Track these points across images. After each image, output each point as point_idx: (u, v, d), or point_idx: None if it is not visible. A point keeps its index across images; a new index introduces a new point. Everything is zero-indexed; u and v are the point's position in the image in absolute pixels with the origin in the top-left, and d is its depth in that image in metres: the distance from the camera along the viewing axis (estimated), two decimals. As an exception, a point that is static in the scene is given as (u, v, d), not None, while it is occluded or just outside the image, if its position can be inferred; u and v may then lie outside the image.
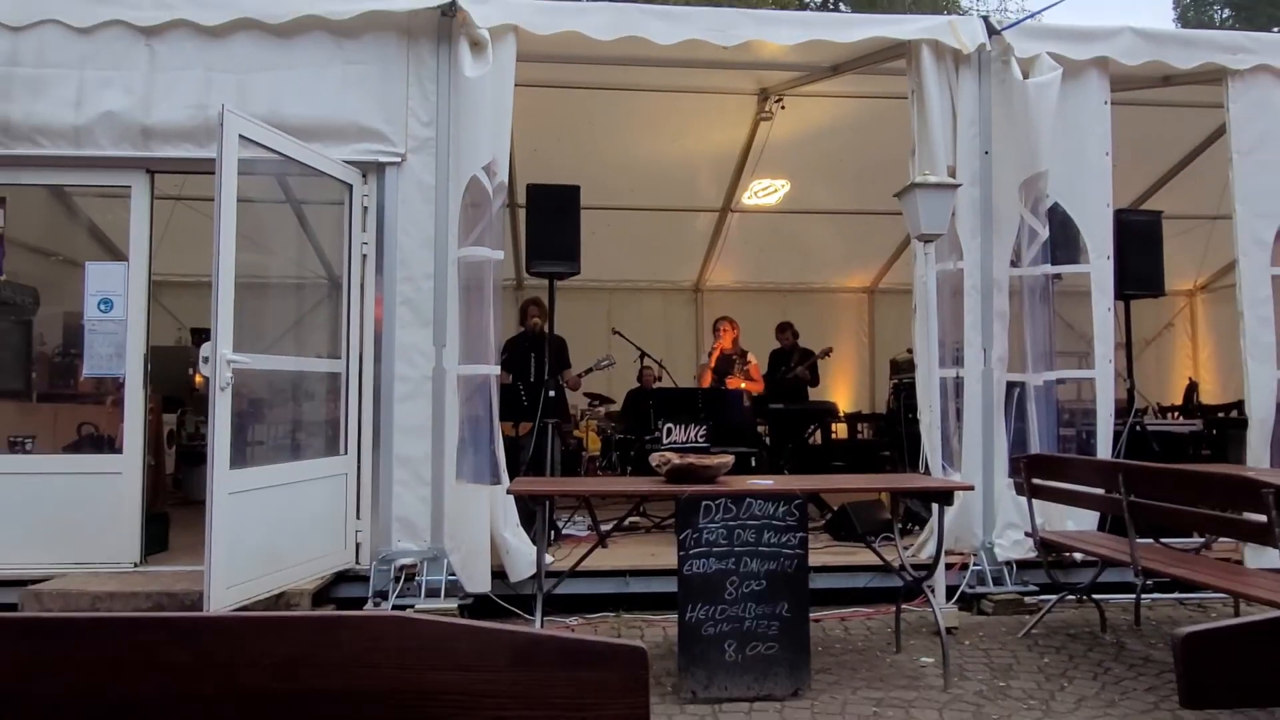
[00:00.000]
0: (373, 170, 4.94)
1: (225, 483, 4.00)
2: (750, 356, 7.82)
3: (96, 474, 4.77)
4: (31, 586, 4.38)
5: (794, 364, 8.44)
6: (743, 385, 7.60)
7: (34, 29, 4.75)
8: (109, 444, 5.15)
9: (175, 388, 7.66)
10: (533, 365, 6.71)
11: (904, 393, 7.22)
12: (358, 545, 4.86)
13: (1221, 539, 4.84)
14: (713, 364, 7.85)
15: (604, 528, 4.52)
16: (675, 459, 3.99)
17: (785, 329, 8.74)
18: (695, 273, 10.52)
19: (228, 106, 4.14)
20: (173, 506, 6.20)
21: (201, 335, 6.68)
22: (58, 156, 4.76)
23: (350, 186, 4.92)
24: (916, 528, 5.57)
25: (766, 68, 6.13)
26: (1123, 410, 5.75)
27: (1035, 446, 5.10)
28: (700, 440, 6.20)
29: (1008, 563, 5.02)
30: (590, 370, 7.47)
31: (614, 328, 8.51)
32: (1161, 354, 10.33)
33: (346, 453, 4.86)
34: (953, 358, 5.13)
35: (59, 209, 6.18)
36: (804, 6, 19.22)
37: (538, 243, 5.53)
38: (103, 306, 4.83)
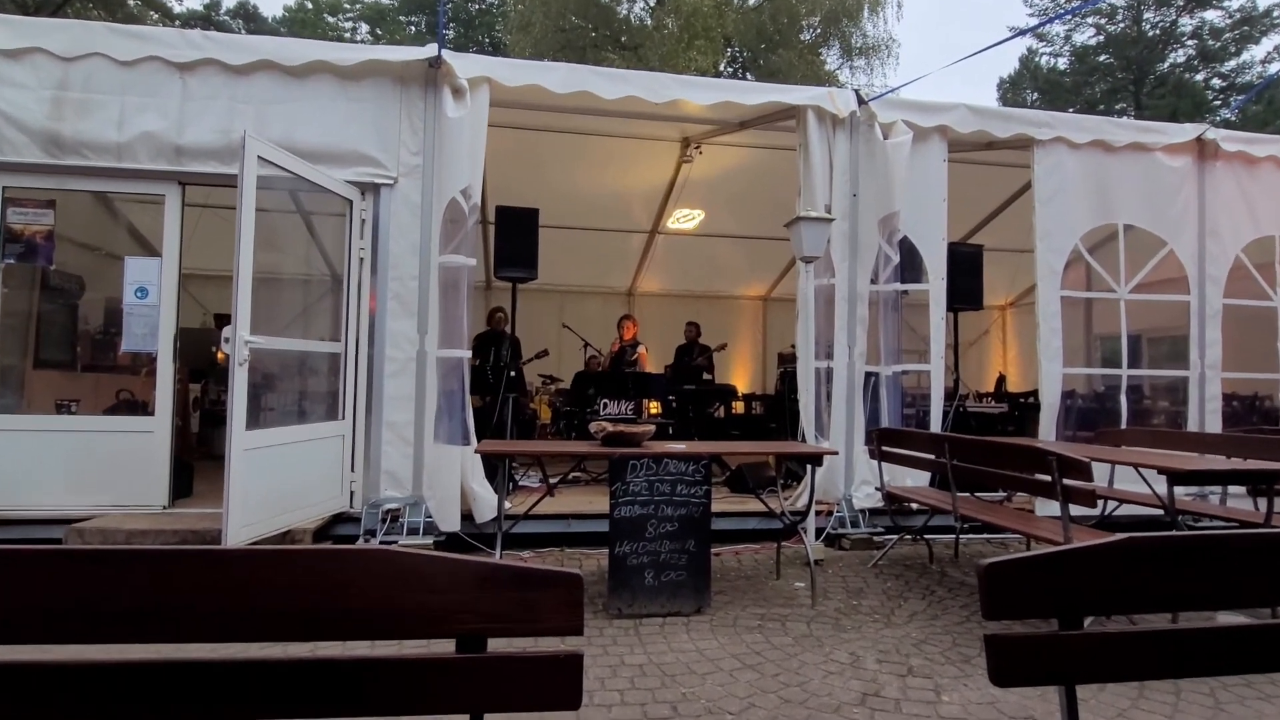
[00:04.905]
0: (370, 190, 4.81)
1: (241, 441, 3.86)
2: (641, 349, 7.68)
3: (132, 432, 4.55)
4: (75, 525, 4.17)
5: (695, 355, 8.47)
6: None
7: (82, 60, 4.49)
8: (143, 408, 4.92)
9: (200, 362, 7.35)
10: (492, 355, 6.69)
11: (788, 379, 7.32)
12: (352, 493, 4.76)
13: (1019, 493, 5.06)
14: (612, 354, 7.85)
15: (552, 481, 4.51)
16: (609, 427, 4.00)
17: (691, 326, 8.75)
18: (629, 280, 10.49)
19: (249, 132, 3.97)
20: (196, 460, 5.96)
21: (223, 319, 6.44)
22: (102, 168, 4.51)
23: (351, 202, 4.78)
24: (795, 483, 5.68)
25: (688, 121, 6.13)
26: (950, 395, 5.93)
27: (885, 421, 5.23)
28: (629, 413, 6.23)
29: (862, 510, 5.14)
30: (530, 360, 7.47)
31: (564, 323, 8.47)
32: (980, 353, 10.69)
33: (344, 418, 4.75)
34: (825, 353, 5.23)
35: (103, 211, 5.85)
36: (718, 73, 19.32)
37: (504, 253, 5.47)
38: (139, 294, 4.60)
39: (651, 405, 7.79)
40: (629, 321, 7.89)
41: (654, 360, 8.30)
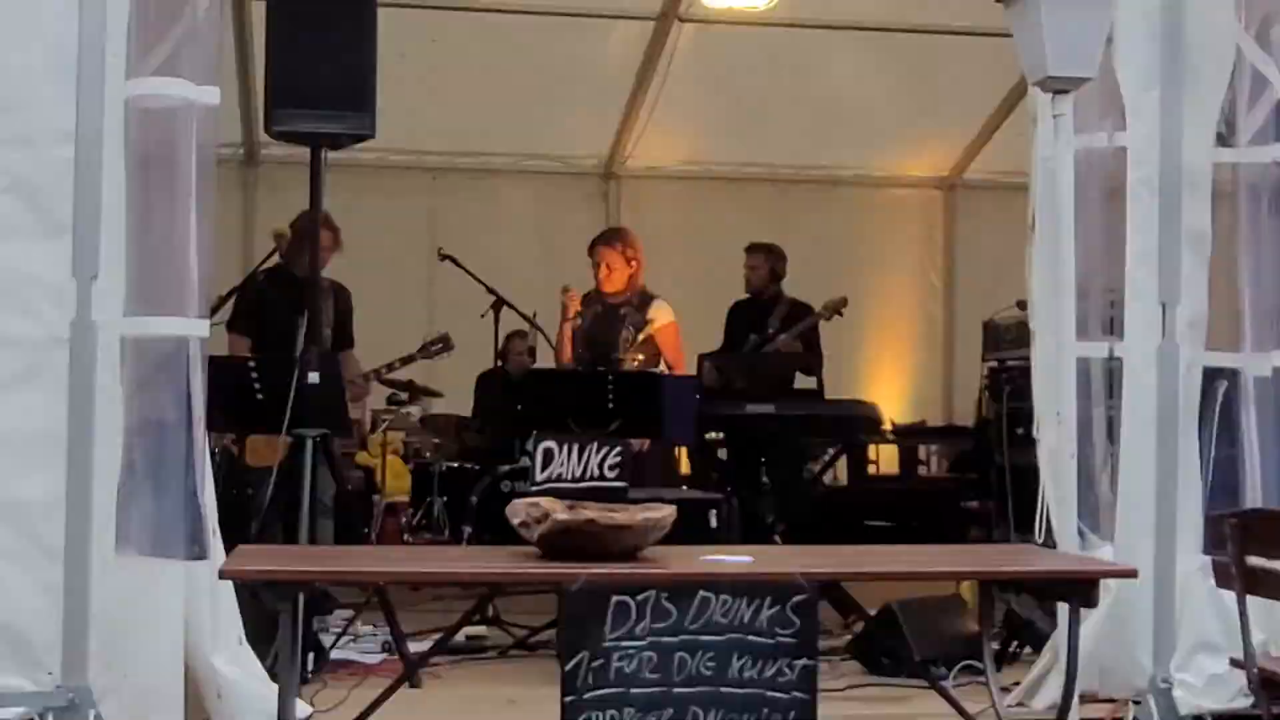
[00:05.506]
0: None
1: None
2: (657, 309, 7.74)
3: None
4: None
5: (773, 330, 8.57)
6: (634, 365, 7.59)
7: None
8: None
9: None
10: (301, 332, 6.60)
11: (1008, 387, 7.35)
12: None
13: None
14: (571, 319, 7.86)
15: (415, 647, 4.46)
16: (560, 512, 3.98)
17: (760, 256, 8.87)
18: (607, 142, 10.67)
19: None
20: None
21: None
22: None
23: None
24: (1026, 650, 5.72)
25: None
26: None
27: (1255, 496, 5.24)
28: (609, 475, 6.20)
29: (1199, 717, 5.15)
30: (407, 361, 7.45)
31: (441, 248, 8.43)
32: None
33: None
34: (1104, 320, 5.24)
35: None
36: None
37: (290, 73, 5.48)
38: None
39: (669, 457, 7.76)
40: (615, 247, 7.88)
41: (699, 335, 8.28)
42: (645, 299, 7.72)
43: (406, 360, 7.73)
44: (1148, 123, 5.28)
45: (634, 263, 7.76)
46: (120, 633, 4.64)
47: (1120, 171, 5.26)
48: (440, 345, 7.77)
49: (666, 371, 7.55)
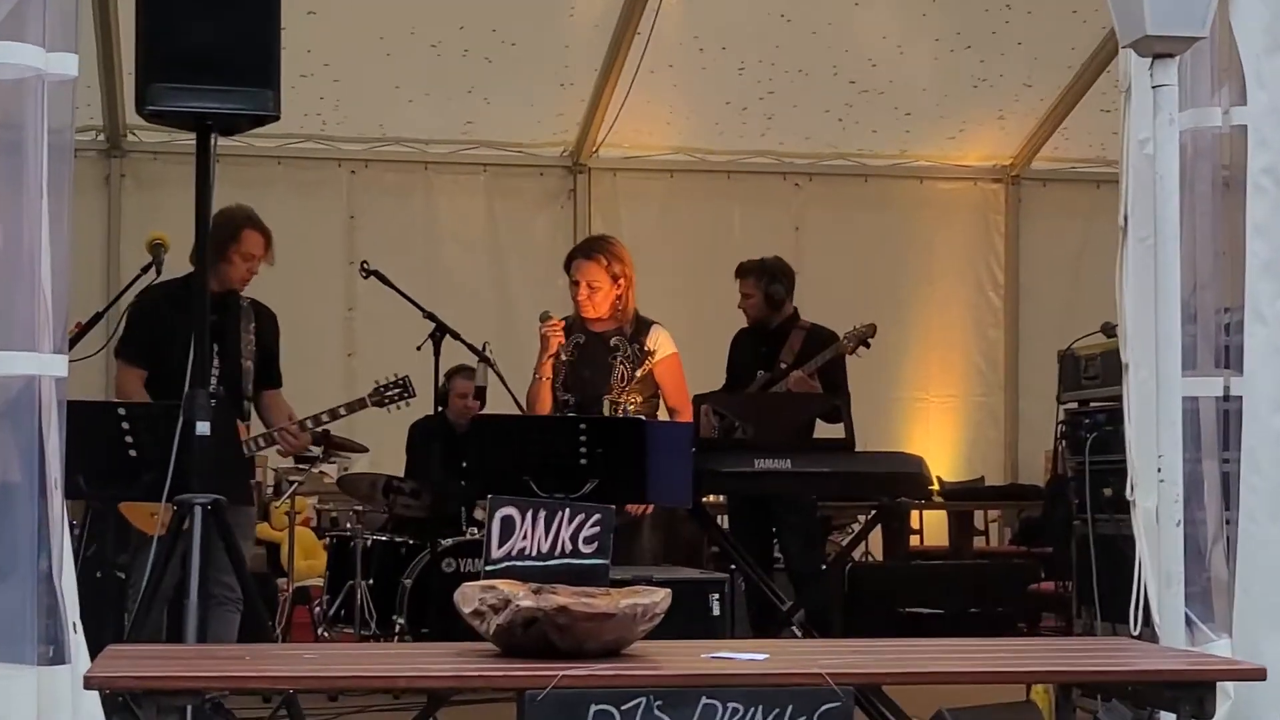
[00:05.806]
0: None
1: None
2: (657, 337, 7.81)
3: None
4: None
5: (786, 365, 8.65)
6: (629, 410, 7.65)
7: None
8: None
9: None
10: (216, 364, 6.59)
11: (1091, 435, 7.36)
12: None
13: None
14: (554, 354, 7.88)
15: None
16: (524, 597, 3.97)
17: (751, 281, 8.94)
18: (574, 125, 10.72)
19: None
20: None
21: None
22: None
23: None
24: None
25: None
26: None
27: None
28: (586, 549, 6.20)
29: None
30: (354, 408, 7.47)
31: (365, 262, 8.44)
32: None
33: None
34: (1218, 349, 5.25)
35: None
36: None
37: (169, 38, 5.48)
38: None
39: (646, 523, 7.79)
40: (598, 261, 7.85)
41: (693, 372, 8.32)
42: (641, 325, 7.78)
43: (354, 407, 7.72)
44: (1274, 95, 5.26)
45: (622, 280, 7.75)
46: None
47: (1239, 157, 5.24)
48: (399, 390, 7.80)
49: (667, 416, 7.56)
